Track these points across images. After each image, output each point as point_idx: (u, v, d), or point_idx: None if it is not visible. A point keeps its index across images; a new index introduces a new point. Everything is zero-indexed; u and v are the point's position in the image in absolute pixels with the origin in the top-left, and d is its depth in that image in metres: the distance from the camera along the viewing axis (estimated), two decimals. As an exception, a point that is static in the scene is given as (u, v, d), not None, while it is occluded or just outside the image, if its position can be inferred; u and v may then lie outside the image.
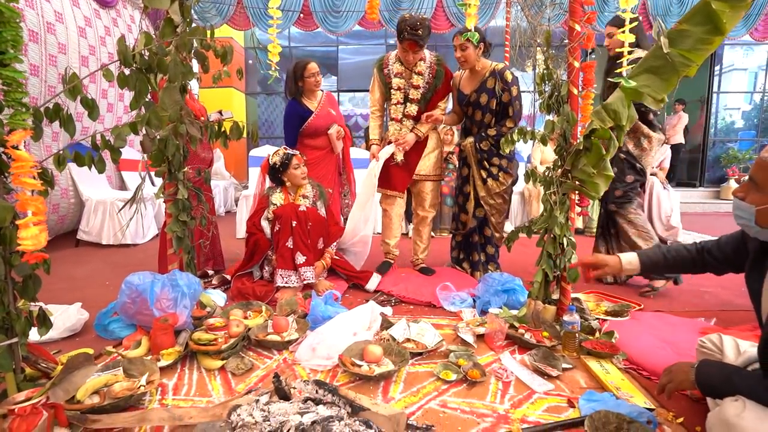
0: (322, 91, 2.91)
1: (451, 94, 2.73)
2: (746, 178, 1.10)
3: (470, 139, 2.62)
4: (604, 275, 1.50)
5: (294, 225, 2.36)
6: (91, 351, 1.60)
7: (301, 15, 5.63)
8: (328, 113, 2.87)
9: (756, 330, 1.67)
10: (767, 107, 8.07)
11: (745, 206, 1.06)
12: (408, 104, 2.59)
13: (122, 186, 4.58)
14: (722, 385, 1.04)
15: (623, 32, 1.72)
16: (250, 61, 7.74)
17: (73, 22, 3.83)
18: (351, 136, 3.23)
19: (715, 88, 7.43)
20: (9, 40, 1.05)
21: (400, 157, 2.63)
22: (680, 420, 1.25)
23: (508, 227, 4.58)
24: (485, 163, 2.59)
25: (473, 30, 2.12)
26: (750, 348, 1.21)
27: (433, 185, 2.76)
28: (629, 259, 1.44)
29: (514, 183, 4.38)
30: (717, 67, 7.44)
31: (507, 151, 2.56)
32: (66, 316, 1.93)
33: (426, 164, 2.71)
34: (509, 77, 2.43)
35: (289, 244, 2.35)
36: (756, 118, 8.04)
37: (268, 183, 2.72)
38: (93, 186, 3.99)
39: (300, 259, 2.35)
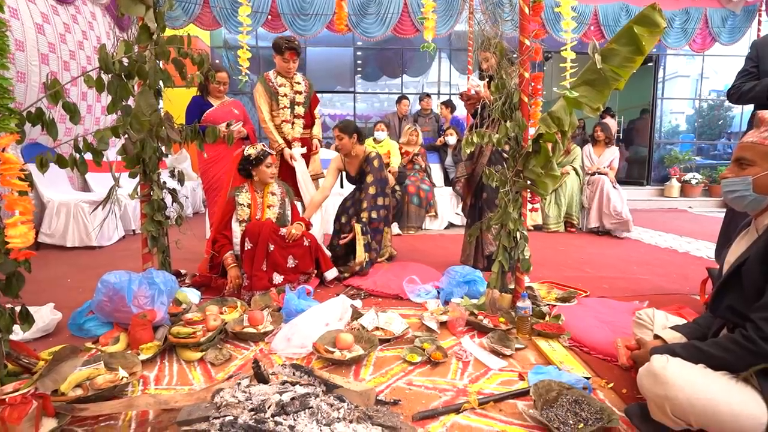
0: (228, 97, 3.25)
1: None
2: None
3: (358, 226, 2.82)
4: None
5: (272, 249, 2.38)
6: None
7: (269, 17, 5.66)
8: (230, 111, 3.13)
9: (679, 310, 1.94)
10: (706, 114, 8.81)
11: (739, 179, 1.19)
12: (296, 107, 3.11)
13: (85, 187, 4.47)
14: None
15: (565, 50, 1.93)
16: (217, 61, 7.65)
17: (29, 18, 3.72)
18: (256, 136, 3.54)
19: (659, 95, 8.03)
20: (-4, 49, 1.11)
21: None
22: (611, 385, 1.46)
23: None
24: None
25: (430, 42, 2.35)
26: (678, 321, 1.47)
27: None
28: (672, 336, 1.35)
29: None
30: (661, 74, 8.04)
31: (468, 152, 2.75)
32: (38, 317, 1.94)
33: (313, 165, 3.30)
34: (376, 163, 2.92)
35: (264, 267, 2.37)
36: (696, 121, 8.77)
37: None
38: (54, 187, 3.89)
39: (277, 279, 2.40)
